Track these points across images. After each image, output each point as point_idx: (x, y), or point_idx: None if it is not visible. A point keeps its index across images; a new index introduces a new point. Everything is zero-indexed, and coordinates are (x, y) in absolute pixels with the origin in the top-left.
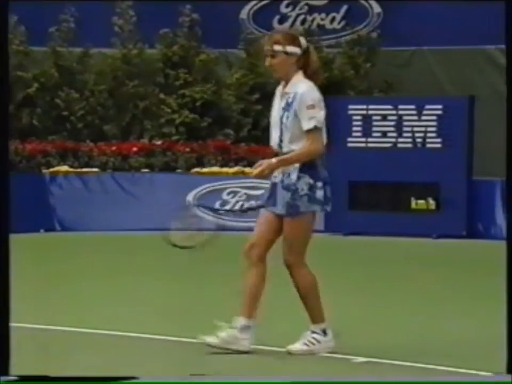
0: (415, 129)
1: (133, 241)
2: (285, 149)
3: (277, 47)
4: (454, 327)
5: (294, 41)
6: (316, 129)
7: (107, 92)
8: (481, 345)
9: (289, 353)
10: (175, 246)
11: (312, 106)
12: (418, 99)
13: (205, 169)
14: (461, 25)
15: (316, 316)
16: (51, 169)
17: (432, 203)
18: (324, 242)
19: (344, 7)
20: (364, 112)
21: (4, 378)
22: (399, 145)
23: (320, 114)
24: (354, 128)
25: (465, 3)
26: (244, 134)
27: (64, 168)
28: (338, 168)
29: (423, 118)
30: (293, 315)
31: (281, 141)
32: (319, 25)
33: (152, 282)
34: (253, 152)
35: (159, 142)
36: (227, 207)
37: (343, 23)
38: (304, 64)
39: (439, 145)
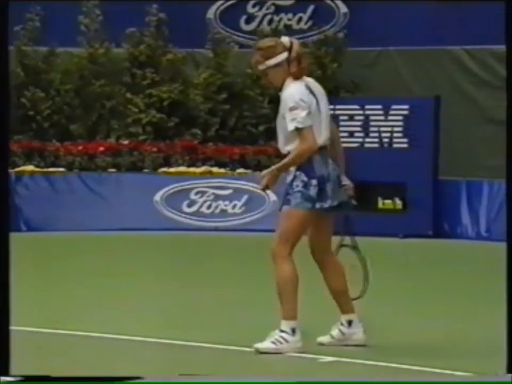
0: (382, 129)
1: (100, 241)
2: (283, 151)
3: (262, 67)
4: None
5: (274, 50)
6: (300, 129)
7: (73, 91)
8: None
9: (257, 351)
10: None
11: (293, 108)
12: (385, 99)
13: (172, 169)
14: (426, 25)
15: (286, 312)
16: (17, 169)
17: (398, 203)
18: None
19: (311, 7)
20: (331, 112)
21: (3, 378)
22: (366, 145)
23: (302, 114)
24: None
25: (431, 4)
26: (211, 133)
27: (30, 168)
28: None
29: (390, 118)
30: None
31: (281, 143)
32: (286, 26)
33: (126, 283)
34: (220, 151)
35: (126, 142)
36: (195, 207)
37: (310, 23)
38: (297, 64)
39: (405, 145)
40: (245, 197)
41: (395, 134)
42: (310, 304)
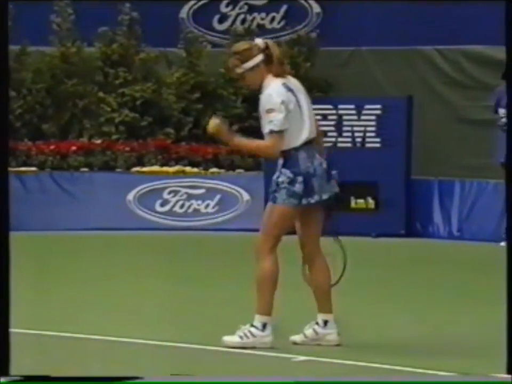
0: (355, 129)
1: (73, 241)
2: None
3: (239, 70)
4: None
5: (250, 53)
6: (274, 132)
7: (45, 91)
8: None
9: (224, 344)
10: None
11: (270, 111)
12: (358, 99)
13: (145, 168)
14: (398, 26)
15: (261, 306)
16: None
17: (371, 202)
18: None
19: (284, 7)
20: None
21: (4, 378)
22: (339, 144)
23: (278, 117)
24: None
25: (403, 4)
26: (185, 133)
27: None
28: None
29: (363, 117)
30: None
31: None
32: (259, 25)
33: (103, 283)
34: (194, 151)
35: (98, 141)
36: (168, 207)
37: (282, 23)
38: (276, 63)
39: (378, 145)
40: (218, 197)
41: (368, 134)
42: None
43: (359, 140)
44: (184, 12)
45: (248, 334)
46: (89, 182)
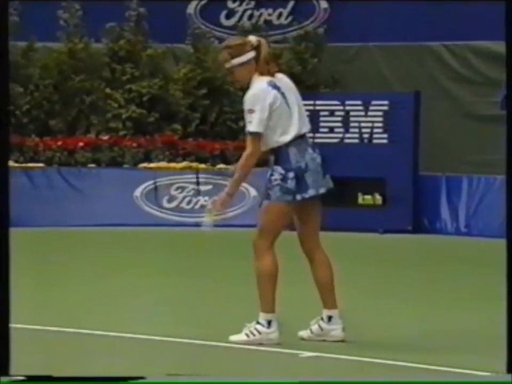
0: (362, 124)
1: (80, 237)
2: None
3: (228, 65)
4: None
5: (242, 49)
6: (250, 133)
7: (52, 86)
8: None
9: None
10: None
11: (250, 111)
12: (365, 95)
13: (152, 164)
14: (406, 21)
15: (264, 304)
16: None
17: (378, 198)
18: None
19: (291, 3)
20: (311, 107)
21: (4, 378)
22: (346, 140)
23: (256, 119)
24: None
25: (410, 0)
26: (192, 129)
27: (9, 163)
28: None
29: (370, 113)
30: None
31: None
32: (266, 21)
33: (112, 280)
34: (201, 147)
35: (105, 137)
36: (175, 203)
37: (290, 18)
38: (262, 63)
39: (385, 141)
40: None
41: (375, 130)
42: (294, 299)
43: (366, 135)
44: (191, 8)
45: (254, 332)
46: (97, 178)
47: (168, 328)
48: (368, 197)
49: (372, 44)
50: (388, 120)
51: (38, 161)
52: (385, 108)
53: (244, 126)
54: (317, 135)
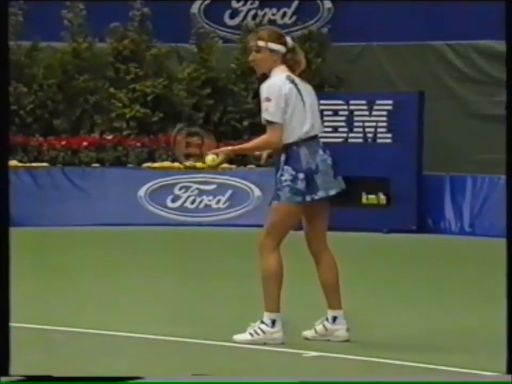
0: (366, 124)
1: (84, 237)
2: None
3: (261, 43)
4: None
5: (279, 39)
6: (269, 122)
7: (57, 86)
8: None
9: (235, 342)
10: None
11: (266, 99)
12: (369, 94)
13: (156, 164)
14: (410, 21)
15: (268, 304)
16: None
17: (382, 198)
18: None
19: (295, 3)
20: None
21: (4, 378)
22: (350, 140)
23: (273, 108)
24: None
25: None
26: (196, 128)
27: (13, 163)
28: None
29: (374, 113)
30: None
31: None
32: (270, 20)
33: (115, 279)
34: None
35: (109, 137)
36: (179, 202)
37: (294, 18)
38: (293, 63)
39: (389, 141)
40: (229, 192)
41: (379, 129)
42: (299, 299)
43: (370, 135)
44: (195, 7)
45: (259, 331)
46: (101, 177)
47: (171, 328)
48: (372, 196)
49: (376, 44)
50: (392, 119)
51: (42, 161)
52: (389, 107)
53: (248, 126)
54: (321, 134)
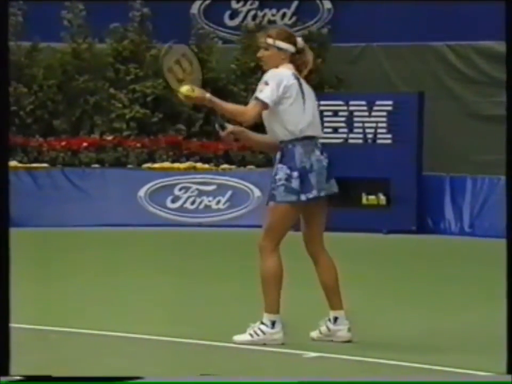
0: (366, 125)
1: (84, 237)
2: (276, 142)
3: (270, 41)
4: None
5: (288, 38)
6: (257, 99)
7: (56, 87)
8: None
9: (235, 343)
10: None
11: (264, 83)
12: (369, 95)
13: (156, 165)
14: (410, 22)
15: (268, 305)
16: None
17: (382, 198)
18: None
19: (295, 3)
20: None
21: (4, 378)
22: (350, 140)
23: (268, 90)
24: None
25: (413, 1)
26: (196, 129)
27: (13, 163)
28: None
29: (374, 114)
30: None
31: (269, 134)
32: (270, 21)
33: (115, 280)
34: (205, 147)
35: (109, 137)
36: (179, 203)
37: (294, 19)
38: (300, 64)
39: (389, 141)
40: (229, 193)
41: (379, 130)
42: (300, 299)
43: (370, 136)
44: (195, 8)
45: (258, 332)
46: (101, 178)
47: (170, 328)
48: (372, 197)
49: (376, 44)
50: (392, 120)
51: (42, 162)
52: (389, 108)
53: (247, 126)
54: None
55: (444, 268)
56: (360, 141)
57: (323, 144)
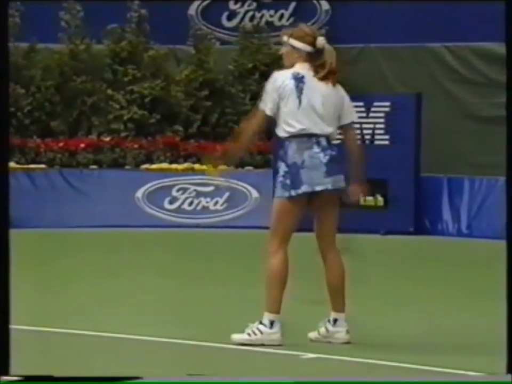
0: (364, 126)
1: (82, 238)
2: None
3: (285, 39)
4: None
5: (303, 38)
6: (257, 108)
7: (54, 88)
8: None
9: (233, 342)
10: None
11: (265, 90)
12: (367, 96)
13: (154, 166)
14: (407, 23)
15: (268, 304)
16: None
17: (380, 199)
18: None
19: (293, 4)
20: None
21: (4, 378)
22: None
23: (266, 98)
24: None
25: (412, 1)
26: (193, 130)
27: (11, 164)
28: None
29: (371, 115)
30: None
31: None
32: (267, 22)
33: (114, 281)
34: (202, 148)
35: (107, 138)
36: (176, 204)
37: (291, 20)
38: (318, 64)
39: (387, 142)
40: (227, 194)
41: (377, 131)
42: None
43: (368, 137)
44: (193, 9)
45: (256, 331)
46: (98, 179)
47: (169, 329)
48: (369, 198)
49: (374, 45)
50: (390, 121)
51: (39, 163)
52: (387, 109)
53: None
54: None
55: (441, 269)
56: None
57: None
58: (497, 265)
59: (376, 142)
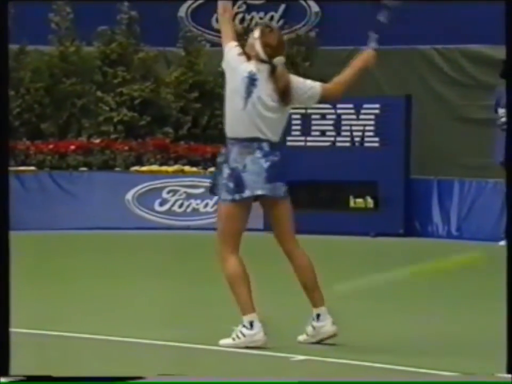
0: (353, 128)
1: (72, 241)
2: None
3: (256, 34)
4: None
5: (267, 46)
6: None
7: (44, 90)
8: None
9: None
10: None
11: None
12: (356, 98)
13: (144, 168)
14: (397, 25)
15: (241, 306)
16: None
17: (370, 201)
18: (263, 241)
19: (283, 6)
20: (303, 111)
21: (4, 378)
22: (338, 144)
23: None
24: (293, 127)
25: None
26: (183, 132)
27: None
28: None
29: (361, 117)
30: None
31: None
32: (257, 24)
33: (104, 283)
34: (192, 150)
35: (97, 141)
36: (166, 206)
37: (281, 22)
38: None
39: (376, 144)
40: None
41: (366, 133)
42: (285, 302)
43: (357, 139)
44: (182, 11)
45: (239, 335)
46: (88, 181)
47: (160, 331)
48: (359, 200)
49: (364, 48)
50: (379, 123)
51: (29, 165)
52: (377, 111)
53: None
54: (309, 138)
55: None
56: (348, 144)
57: (310, 147)
58: (487, 266)
59: (366, 144)
